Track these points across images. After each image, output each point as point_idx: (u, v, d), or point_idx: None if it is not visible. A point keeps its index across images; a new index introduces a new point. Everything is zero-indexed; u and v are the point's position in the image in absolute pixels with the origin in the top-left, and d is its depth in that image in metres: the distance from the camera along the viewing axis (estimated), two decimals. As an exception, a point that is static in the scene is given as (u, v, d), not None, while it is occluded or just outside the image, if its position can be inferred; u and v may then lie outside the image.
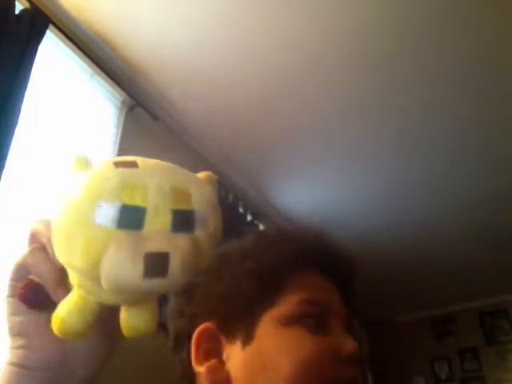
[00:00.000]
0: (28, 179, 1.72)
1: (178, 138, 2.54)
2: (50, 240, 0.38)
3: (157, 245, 0.33)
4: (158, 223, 0.34)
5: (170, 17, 2.02)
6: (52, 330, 0.38)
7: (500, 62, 2.22)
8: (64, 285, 0.40)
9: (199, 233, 0.35)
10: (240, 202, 2.87)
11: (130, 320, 0.39)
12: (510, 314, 4.21)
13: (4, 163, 1.49)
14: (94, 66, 2.06)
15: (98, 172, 0.35)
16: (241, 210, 2.87)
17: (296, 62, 2.21)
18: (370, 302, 3.35)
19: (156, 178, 0.35)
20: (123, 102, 2.24)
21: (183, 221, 0.35)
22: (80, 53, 1.98)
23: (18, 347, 0.42)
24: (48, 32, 1.81)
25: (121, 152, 2.16)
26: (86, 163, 0.37)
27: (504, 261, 3.65)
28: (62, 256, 0.36)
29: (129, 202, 0.34)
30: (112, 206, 0.33)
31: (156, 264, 0.32)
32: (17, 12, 1.71)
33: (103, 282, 0.33)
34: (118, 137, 2.18)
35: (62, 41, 1.93)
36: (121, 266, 0.32)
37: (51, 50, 1.90)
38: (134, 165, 0.36)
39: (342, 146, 2.73)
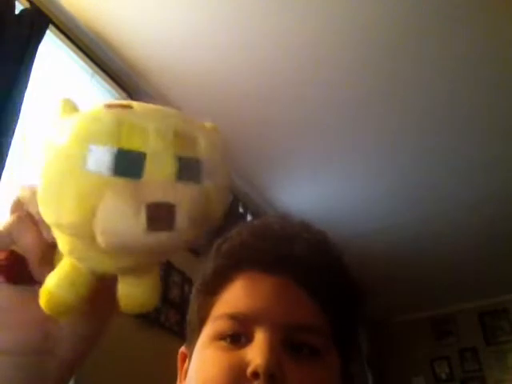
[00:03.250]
0: (28, 179, 1.72)
1: (177, 137, 2.54)
2: (37, 207, 0.32)
3: (161, 194, 0.29)
4: (160, 171, 0.29)
5: (170, 17, 2.01)
6: (30, 307, 0.34)
7: (501, 61, 2.22)
8: (50, 261, 0.34)
9: (207, 184, 0.31)
10: (240, 202, 2.87)
11: (128, 291, 0.34)
12: (510, 314, 4.22)
13: (4, 163, 1.49)
14: (94, 66, 2.06)
15: (87, 114, 0.31)
16: (241, 210, 2.87)
17: (296, 61, 2.21)
18: (369, 302, 3.34)
19: (157, 121, 0.31)
20: (123, 102, 2.24)
21: (189, 169, 0.30)
22: (80, 53, 1.98)
23: None
24: (48, 32, 1.81)
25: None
26: (73, 107, 0.32)
27: (504, 261, 3.65)
28: (49, 213, 0.30)
29: (126, 145, 0.29)
30: (106, 150, 0.29)
31: (161, 215, 0.28)
32: (17, 12, 1.71)
33: (99, 238, 0.28)
34: (118, 137, 2.18)
35: (62, 41, 1.93)
36: (120, 217, 0.28)
37: (51, 50, 1.90)
38: (129, 107, 0.31)
39: (342, 145, 2.73)
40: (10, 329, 0.35)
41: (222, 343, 0.47)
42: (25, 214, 0.36)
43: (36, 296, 0.33)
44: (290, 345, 0.47)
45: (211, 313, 0.51)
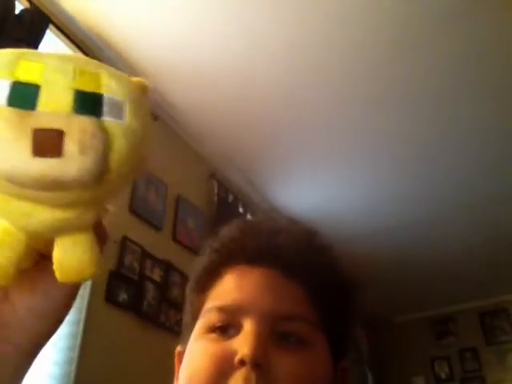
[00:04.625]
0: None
1: (178, 137, 2.54)
2: None
3: (51, 122, 0.28)
4: (54, 102, 0.28)
5: (171, 17, 2.02)
6: None
7: (502, 61, 2.22)
8: None
9: (109, 120, 0.30)
10: (240, 201, 2.87)
11: (62, 257, 0.32)
12: (510, 314, 4.21)
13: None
14: (94, 66, 2.06)
15: None
16: (241, 210, 2.87)
17: (296, 61, 2.21)
18: (370, 302, 3.35)
19: (58, 59, 0.30)
20: (123, 102, 2.24)
21: (88, 104, 0.29)
22: (80, 53, 1.98)
23: None
24: (48, 32, 1.81)
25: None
26: None
27: (504, 261, 3.65)
28: None
29: (22, 78, 0.29)
30: (2, 82, 0.29)
31: (47, 140, 0.27)
32: (17, 12, 1.71)
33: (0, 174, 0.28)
34: (118, 137, 2.18)
35: (62, 41, 1.93)
36: (5, 143, 0.27)
37: (51, 50, 1.90)
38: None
39: (342, 146, 2.73)
40: None
41: (212, 335, 0.48)
42: None
43: None
44: (277, 334, 0.48)
45: (202, 309, 0.52)
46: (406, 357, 4.38)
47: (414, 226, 3.36)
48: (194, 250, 2.38)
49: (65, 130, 0.28)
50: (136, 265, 2.05)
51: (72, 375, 1.68)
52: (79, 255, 0.33)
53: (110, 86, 0.30)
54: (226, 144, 2.67)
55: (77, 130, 0.28)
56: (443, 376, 4.30)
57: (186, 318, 0.56)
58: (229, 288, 0.52)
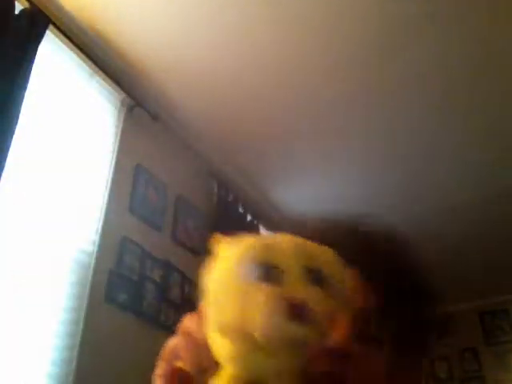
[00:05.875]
0: (28, 179, 1.72)
1: (177, 137, 2.54)
2: (201, 334, 0.41)
3: (295, 293, 0.37)
4: (292, 278, 0.38)
5: (171, 17, 2.02)
6: None
7: (500, 59, 2.22)
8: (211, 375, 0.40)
9: (327, 287, 0.39)
10: (240, 201, 2.87)
11: None
12: (510, 314, 4.21)
13: (4, 163, 1.49)
14: (94, 66, 2.06)
15: (245, 243, 0.41)
16: (241, 210, 2.87)
17: (297, 61, 2.21)
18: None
19: (290, 243, 0.41)
20: (123, 102, 2.24)
21: (313, 276, 0.39)
22: (80, 53, 1.98)
23: None
24: (48, 32, 1.81)
25: (120, 152, 2.16)
26: (226, 243, 0.43)
27: (504, 261, 3.65)
28: (215, 317, 0.40)
29: (270, 262, 0.39)
30: (255, 266, 0.38)
31: (298, 308, 0.36)
32: (17, 12, 1.71)
33: (256, 331, 0.36)
34: (118, 137, 2.18)
35: (62, 41, 1.93)
36: (269, 310, 0.36)
37: (51, 50, 1.90)
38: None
39: (342, 145, 2.73)
40: None
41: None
42: (191, 332, 0.42)
43: None
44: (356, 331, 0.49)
45: None
46: (405, 357, 4.38)
47: (414, 225, 3.36)
48: (193, 250, 2.38)
49: (305, 299, 0.36)
50: (136, 265, 2.05)
51: (71, 375, 1.68)
52: None
53: (327, 263, 0.41)
54: (226, 144, 2.67)
55: (313, 297, 0.37)
56: (443, 376, 4.30)
57: None
58: None
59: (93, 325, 1.79)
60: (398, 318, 0.53)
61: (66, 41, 1.93)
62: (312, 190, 3.07)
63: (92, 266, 1.88)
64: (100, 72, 2.10)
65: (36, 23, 1.73)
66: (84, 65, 2.04)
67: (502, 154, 2.76)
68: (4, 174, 1.49)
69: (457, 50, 2.15)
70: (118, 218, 2.05)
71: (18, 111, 1.59)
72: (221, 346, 0.40)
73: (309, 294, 0.37)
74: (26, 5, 1.75)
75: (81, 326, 1.76)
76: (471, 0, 1.94)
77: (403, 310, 0.54)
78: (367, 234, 0.60)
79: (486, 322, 4.28)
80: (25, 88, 1.63)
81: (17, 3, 1.71)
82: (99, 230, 1.95)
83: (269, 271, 0.38)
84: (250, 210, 2.94)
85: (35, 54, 1.71)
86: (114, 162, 2.12)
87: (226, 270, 0.40)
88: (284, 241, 0.42)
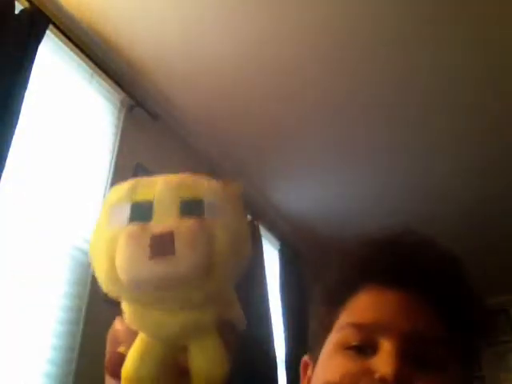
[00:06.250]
0: (28, 179, 1.72)
1: (177, 137, 2.54)
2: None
3: (163, 228, 0.34)
4: (165, 212, 0.35)
5: (170, 17, 2.02)
6: None
7: (500, 59, 2.22)
8: None
9: (209, 218, 0.35)
10: (240, 201, 2.86)
11: (193, 361, 0.37)
12: (510, 314, 4.21)
13: (4, 163, 1.49)
14: (94, 66, 2.06)
15: (114, 188, 0.39)
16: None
17: (297, 61, 2.21)
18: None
19: (164, 178, 0.38)
20: (123, 102, 2.24)
21: (191, 207, 0.35)
22: (80, 53, 1.98)
23: None
24: (48, 32, 1.81)
25: (120, 152, 2.16)
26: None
27: (504, 261, 3.65)
28: (100, 277, 0.37)
29: (138, 198, 0.36)
30: (123, 207, 0.36)
31: (161, 243, 0.33)
32: (17, 12, 1.71)
33: (121, 276, 0.33)
34: (118, 137, 2.18)
35: (62, 41, 1.93)
36: (130, 253, 0.33)
37: (51, 50, 1.90)
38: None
39: (342, 145, 2.73)
40: None
41: (349, 352, 0.49)
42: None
43: None
44: (414, 355, 0.48)
45: (336, 322, 0.53)
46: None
47: (415, 225, 3.36)
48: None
49: (175, 232, 0.33)
50: (136, 265, 2.04)
51: (71, 375, 1.68)
52: (208, 357, 0.37)
53: (207, 192, 0.37)
54: (226, 144, 2.67)
55: (183, 229, 0.33)
56: (443, 376, 4.30)
57: (316, 328, 0.56)
58: (365, 306, 0.52)
59: (93, 325, 1.79)
60: (462, 344, 0.52)
61: (66, 41, 1.93)
62: (312, 189, 3.07)
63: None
64: (100, 72, 2.10)
65: (36, 23, 1.73)
66: (84, 65, 2.04)
67: (505, 156, 2.77)
68: (4, 173, 1.49)
69: (459, 49, 2.15)
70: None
71: (18, 111, 1.59)
72: (124, 312, 0.38)
73: (179, 226, 0.34)
74: (26, 5, 1.74)
75: (81, 325, 1.76)
76: (475, 1, 1.94)
77: (467, 336, 0.53)
78: (433, 259, 0.58)
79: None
80: (25, 88, 1.63)
81: (17, 3, 1.71)
82: (99, 230, 1.95)
83: (139, 209, 0.35)
84: (249, 209, 2.94)
85: (35, 53, 1.70)
86: (113, 162, 2.12)
87: (98, 221, 0.37)
88: (162, 177, 0.38)
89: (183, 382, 0.37)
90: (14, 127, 1.56)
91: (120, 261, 0.33)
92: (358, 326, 0.50)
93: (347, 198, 3.14)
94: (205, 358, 0.36)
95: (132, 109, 2.25)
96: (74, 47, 1.96)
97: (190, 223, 0.34)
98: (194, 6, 1.96)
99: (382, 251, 0.56)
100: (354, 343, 0.49)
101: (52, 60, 1.92)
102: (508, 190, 3.00)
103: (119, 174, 2.11)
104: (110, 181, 2.06)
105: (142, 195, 0.36)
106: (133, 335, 0.38)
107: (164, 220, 0.34)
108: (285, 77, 2.29)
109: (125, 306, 0.38)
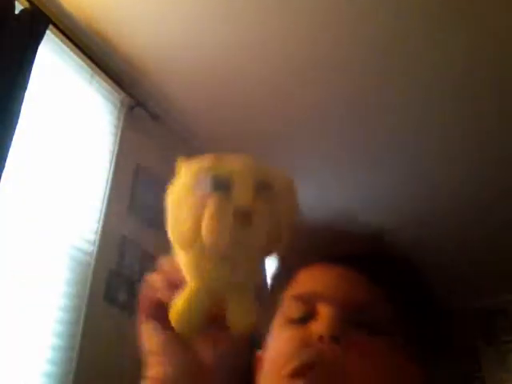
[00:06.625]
0: (28, 179, 1.72)
1: (178, 137, 2.54)
2: (174, 265, 0.45)
3: (242, 202, 0.40)
4: (242, 188, 0.41)
5: (170, 17, 2.02)
6: (185, 348, 0.46)
7: (500, 58, 2.22)
8: None
9: (275, 201, 0.42)
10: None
11: (233, 310, 0.43)
12: (510, 314, 4.21)
13: (4, 163, 1.49)
14: (94, 66, 2.06)
15: (199, 160, 0.45)
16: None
17: (297, 61, 2.21)
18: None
19: (242, 158, 0.45)
20: (123, 102, 2.24)
21: (263, 187, 0.42)
22: (80, 53, 1.99)
23: (157, 363, 0.46)
24: (48, 32, 1.81)
25: (121, 152, 2.16)
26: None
27: (504, 261, 3.65)
28: (173, 231, 0.43)
29: (219, 173, 0.42)
30: (206, 178, 0.41)
31: (242, 215, 0.39)
32: (17, 12, 1.71)
33: (205, 235, 0.39)
34: (118, 137, 2.18)
35: (62, 41, 1.93)
36: (218, 218, 0.39)
37: (51, 50, 1.90)
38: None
39: (343, 145, 2.73)
40: (175, 367, 0.46)
41: (293, 325, 0.52)
42: (164, 270, 0.48)
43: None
44: (352, 322, 0.49)
45: (284, 293, 0.56)
46: (405, 357, 4.38)
47: (415, 225, 3.36)
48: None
49: (251, 208, 0.40)
50: (136, 265, 2.05)
51: (71, 375, 1.68)
52: (244, 309, 0.44)
53: (277, 178, 0.44)
54: (227, 144, 2.67)
55: (259, 207, 0.40)
56: (443, 376, 4.30)
57: (262, 316, 0.58)
58: (304, 279, 0.55)
59: (92, 325, 1.79)
60: (406, 320, 0.53)
61: (66, 41, 1.93)
62: (313, 191, 3.07)
63: (92, 265, 1.87)
64: (100, 72, 2.10)
65: (36, 23, 1.73)
66: (84, 65, 2.04)
67: (505, 155, 2.76)
68: (4, 173, 1.49)
69: (466, 52, 2.15)
70: (117, 218, 2.05)
71: (18, 111, 1.59)
72: (181, 260, 0.44)
73: (256, 204, 0.40)
74: (26, 5, 1.75)
75: (80, 325, 1.76)
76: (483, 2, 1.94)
77: (411, 312, 0.55)
78: (389, 248, 0.62)
79: (486, 322, 4.28)
80: (25, 88, 1.63)
81: (17, 3, 1.72)
82: (99, 230, 1.95)
83: (221, 182, 0.41)
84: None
85: (35, 53, 1.71)
86: (113, 162, 2.12)
87: (182, 185, 0.43)
88: (238, 157, 0.45)
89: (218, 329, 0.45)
90: (14, 127, 1.56)
91: (208, 224, 0.39)
92: (298, 298, 0.53)
93: (349, 198, 3.14)
94: (243, 309, 0.43)
95: (132, 109, 2.25)
96: (74, 47, 1.96)
97: (263, 201, 0.40)
98: (194, 6, 1.96)
99: (320, 235, 0.59)
100: (296, 316, 0.51)
101: (52, 60, 1.92)
102: (508, 190, 3.00)
103: (119, 174, 2.12)
104: (109, 181, 2.07)
105: (222, 170, 0.42)
106: (169, 285, 0.45)
107: (242, 194, 0.40)
108: (287, 78, 2.29)
109: (184, 257, 0.43)
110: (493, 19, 2.01)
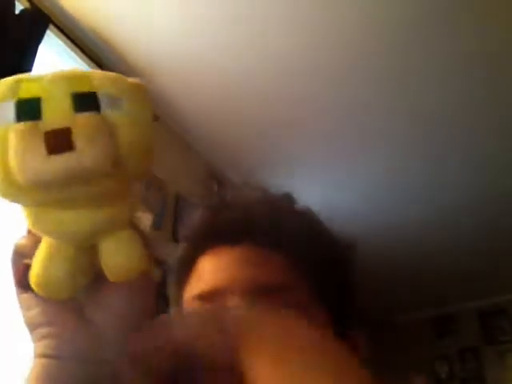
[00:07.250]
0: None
1: (178, 137, 2.54)
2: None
3: (56, 124, 0.31)
4: (57, 108, 0.32)
5: (171, 17, 2.02)
6: (76, 316, 0.38)
7: (499, 58, 2.22)
8: None
9: (108, 112, 0.33)
10: (240, 201, 2.87)
11: (107, 257, 0.35)
12: (510, 314, 4.21)
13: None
14: (94, 66, 2.06)
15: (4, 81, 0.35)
16: (241, 209, 2.86)
17: (298, 60, 2.21)
18: (370, 301, 3.35)
19: (54, 73, 0.34)
20: (123, 102, 2.24)
21: (85, 102, 0.33)
22: (80, 53, 1.99)
23: (42, 337, 0.38)
24: (48, 32, 1.81)
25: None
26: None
27: (504, 261, 3.65)
28: None
29: (23, 95, 0.33)
30: (8, 105, 0.32)
31: (58, 139, 0.31)
32: (17, 12, 1.71)
33: (18, 177, 0.31)
34: (118, 137, 2.18)
35: (62, 41, 1.93)
36: (20, 152, 0.30)
37: (51, 50, 1.90)
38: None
39: (344, 145, 2.73)
40: (62, 338, 0.37)
41: None
42: (31, 232, 0.39)
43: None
44: (261, 296, 0.46)
45: (184, 290, 0.52)
46: (406, 356, 4.38)
47: (415, 225, 3.36)
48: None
49: (71, 128, 0.31)
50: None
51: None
52: (125, 252, 0.35)
53: (103, 83, 0.34)
54: (227, 144, 2.67)
55: (81, 125, 0.31)
56: (443, 376, 4.30)
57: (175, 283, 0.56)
58: (203, 272, 0.50)
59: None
60: (318, 286, 0.51)
61: (67, 41, 1.93)
62: (314, 190, 3.07)
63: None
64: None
65: (36, 23, 1.73)
66: (84, 65, 2.04)
67: (503, 155, 2.77)
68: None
69: (473, 48, 2.15)
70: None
71: (18, 111, 1.59)
72: (24, 219, 0.36)
73: (74, 121, 0.31)
74: (26, 5, 1.75)
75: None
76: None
77: (322, 275, 0.52)
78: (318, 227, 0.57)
79: (486, 322, 4.28)
80: (25, 88, 1.63)
81: (17, 3, 1.72)
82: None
83: (26, 106, 0.32)
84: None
85: (35, 53, 1.71)
86: (113, 162, 2.12)
87: None
88: (52, 72, 0.34)
89: (103, 286, 0.37)
90: (14, 127, 1.56)
91: (14, 161, 0.30)
92: (200, 297, 0.49)
93: (349, 198, 3.14)
94: (123, 252, 0.35)
95: (132, 109, 2.25)
96: (74, 47, 1.96)
97: (87, 118, 0.32)
98: (194, 6, 1.96)
99: (213, 215, 0.55)
100: None
101: (52, 60, 1.92)
102: (509, 190, 3.00)
103: (119, 173, 2.11)
104: (110, 181, 2.07)
105: (28, 91, 0.33)
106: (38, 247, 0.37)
107: (56, 117, 0.32)
108: (287, 77, 2.29)
109: (25, 211, 0.36)
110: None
